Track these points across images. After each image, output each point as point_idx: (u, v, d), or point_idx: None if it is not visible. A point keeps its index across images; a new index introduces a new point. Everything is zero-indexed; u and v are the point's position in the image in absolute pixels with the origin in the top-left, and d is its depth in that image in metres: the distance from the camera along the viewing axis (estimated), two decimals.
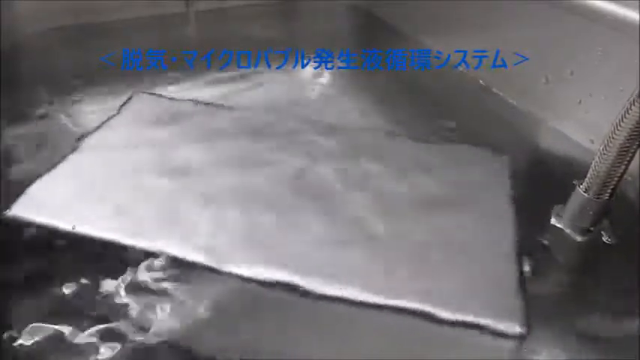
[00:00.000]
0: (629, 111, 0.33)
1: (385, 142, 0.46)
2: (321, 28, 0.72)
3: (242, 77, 0.58)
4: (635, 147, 0.34)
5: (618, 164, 0.35)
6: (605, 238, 0.38)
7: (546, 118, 0.49)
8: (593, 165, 0.36)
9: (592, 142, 0.45)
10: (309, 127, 0.47)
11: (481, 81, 0.56)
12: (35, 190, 0.37)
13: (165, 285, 0.32)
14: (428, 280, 0.34)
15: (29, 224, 0.35)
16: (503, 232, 0.38)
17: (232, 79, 0.57)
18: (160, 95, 0.49)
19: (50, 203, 0.36)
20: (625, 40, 0.41)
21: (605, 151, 0.35)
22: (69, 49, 0.62)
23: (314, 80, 0.59)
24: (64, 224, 0.34)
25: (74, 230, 0.34)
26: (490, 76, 0.54)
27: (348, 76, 0.61)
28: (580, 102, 0.46)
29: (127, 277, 0.32)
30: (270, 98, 0.54)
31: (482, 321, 0.31)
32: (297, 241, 0.35)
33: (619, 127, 0.34)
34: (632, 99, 0.33)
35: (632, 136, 0.33)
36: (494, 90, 0.54)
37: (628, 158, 0.35)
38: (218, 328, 0.31)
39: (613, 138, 0.34)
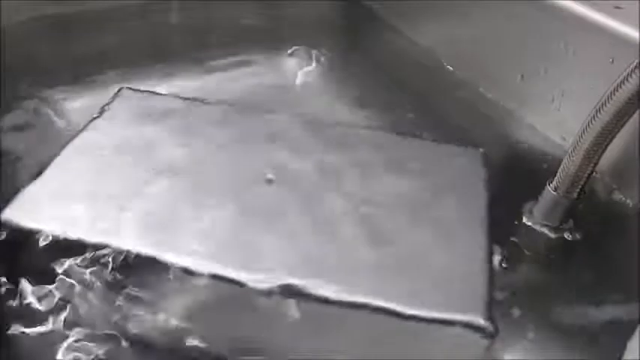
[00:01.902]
0: (595, 118, 0.35)
1: (362, 137, 0.47)
2: (308, 17, 0.72)
3: (226, 68, 0.59)
4: (600, 151, 0.36)
5: (585, 166, 0.37)
6: (572, 235, 0.40)
7: (522, 114, 0.51)
8: (562, 165, 0.38)
9: (564, 139, 0.47)
10: (293, 122, 0.47)
11: (459, 74, 0.57)
12: (25, 195, 0.38)
13: (149, 287, 0.34)
14: (395, 277, 0.35)
15: (19, 229, 0.36)
16: (474, 228, 0.39)
17: (217, 71, 0.58)
18: (145, 91, 0.49)
19: (40, 208, 0.37)
20: (595, 42, 0.43)
21: (572, 154, 0.37)
22: (51, 39, 0.62)
23: (300, 71, 0.60)
24: (55, 229, 0.35)
25: (65, 235, 0.35)
26: (470, 71, 0.56)
27: (333, 67, 0.61)
28: (553, 100, 0.47)
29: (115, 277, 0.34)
30: (255, 91, 0.55)
31: (450, 317, 0.33)
32: (269, 240, 0.36)
33: (585, 132, 0.36)
34: (598, 106, 0.34)
35: (598, 142, 0.35)
36: (474, 85, 0.55)
37: (595, 161, 0.37)
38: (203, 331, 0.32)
39: (579, 142, 0.36)
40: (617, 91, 0.32)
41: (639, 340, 0.28)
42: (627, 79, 0.32)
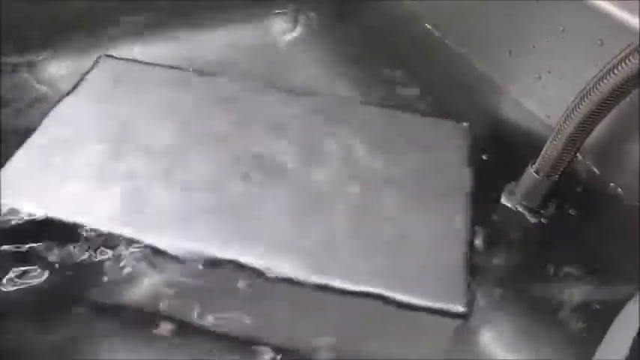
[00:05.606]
0: (580, 104, 0.34)
1: (344, 110, 0.46)
2: None
3: (208, 30, 0.57)
4: (584, 137, 0.36)
5: (568, 150, 0.37)
6: (551, 217, 0.40)
7: (508, 89, 0.50)
8: (545, 148, 0.38)
9: (548, 117, 0.47)
10: (275, 96, 0.47)
11: (453, 46, 0.55)
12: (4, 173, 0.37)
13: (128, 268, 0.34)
14: (375, 260, 0.35)
15: None
16: (455, 207, 0.39)
17: (198, 35, 0.56)
18: (125, 59, 0.48)
19: (17, 188, 0.36)
20: (584, 24, 0.42)
21: (555, 138, 0.37)
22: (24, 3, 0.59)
23: (284, 36, 0.58)
24: (32, 208, 0.35)
25: (44, 215, 0.35)
26: (460, 43, 0.55)
27: (321, 31, 0.60)
28: (540, 77, 0.47)
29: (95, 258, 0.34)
30: (238, 57, 0.54)
31: (427, 302, 0.33)
32: (247, 220, 0.37)
33: (569, 118, 0.35)
34: (583, 93, 0.34)
35: (581, 128, 0.35)
36: (466, 58, 0.54)
37: (577, 146, 0.37)
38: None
39: (563, 127, 0.36)
40: (603, 80, 0.32)
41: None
42: (613, 71, 0.31)
